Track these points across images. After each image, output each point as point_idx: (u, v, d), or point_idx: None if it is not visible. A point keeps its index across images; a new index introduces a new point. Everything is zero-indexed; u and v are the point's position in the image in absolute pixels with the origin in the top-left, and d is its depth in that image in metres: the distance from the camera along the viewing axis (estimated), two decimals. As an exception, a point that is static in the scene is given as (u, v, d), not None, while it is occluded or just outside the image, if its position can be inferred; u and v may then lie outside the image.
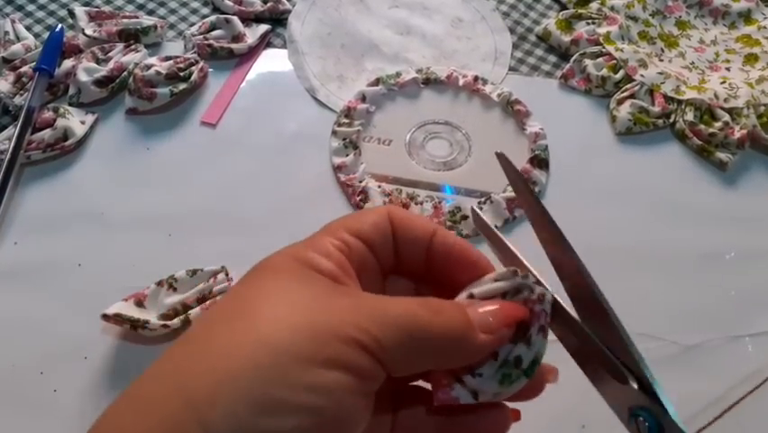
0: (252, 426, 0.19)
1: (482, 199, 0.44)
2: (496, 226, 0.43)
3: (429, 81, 0.51)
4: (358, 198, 0.44)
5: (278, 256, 0.24)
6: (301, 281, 0.23)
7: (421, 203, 0.44)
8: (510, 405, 0.26)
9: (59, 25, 0.49)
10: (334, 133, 0.47)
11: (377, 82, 0.50)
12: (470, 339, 0.22)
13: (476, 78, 0.50)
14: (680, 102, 0.50)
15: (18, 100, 0.46)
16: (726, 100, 0.50)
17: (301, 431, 0.19)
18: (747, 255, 0.44)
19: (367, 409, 0.21)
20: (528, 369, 0.23)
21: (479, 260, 0.26)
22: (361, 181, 0.44)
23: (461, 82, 0.50)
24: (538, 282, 0.24)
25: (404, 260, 0.26)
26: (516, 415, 0.26)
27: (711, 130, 0.48)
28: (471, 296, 0.24)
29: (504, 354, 0.23)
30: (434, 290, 0.27)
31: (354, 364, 0.20)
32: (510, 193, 0.45)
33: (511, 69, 0.52)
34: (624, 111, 0.49)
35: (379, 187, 0.45)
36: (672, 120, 0.50)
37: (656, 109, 0.49)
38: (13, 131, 0.44)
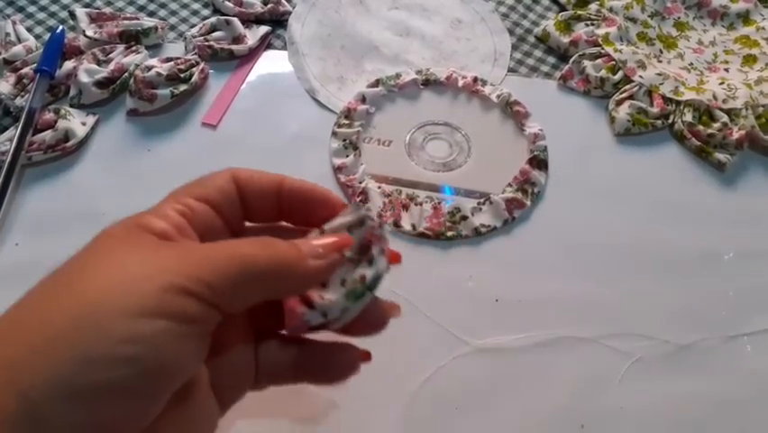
0: (70, 384, 0.19)
1: (482, 200, 0.45)
2: (495, 227, 0.44)
3: (429, 82, 0.51)
4: (358, 199, 0.44)
5: (116, 224, 0.25)
6: (130, 242, 0.23)
7: (421, 204, 0.44)
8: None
9: (60, 27, 0.49)
10: (334, 134, 0.47)
11: (377, 83, 0.50)
12: (301, 266, 0.24)
13: (475, 80, 0.51)
14: (678, 103, 0.50)
15: (19, 101, 0.46)
16: (724, 101, 0.50)
17: (122, 382, 0.20)
18: (745, 256, 0.44)
19: (197, 353, 0.22)
20: (371, 283, 0.26)
21: (329, 197, 0.28)
22: (360, 182, 0.45)
23: (460, 83, 0.51)
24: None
25: (256, 215, 0.28)
26: (367, 356, 0.28)
27: (710, 131, 0.48)
28: (322, 232, 0.27)
29: (348, 274, 0.26)
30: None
31: (178, 311, 0.21)
32: (510, 194, 0.45)
33: (510, 70, 0.53)
34: (623, 112, 0.49)
35: (379, 188, 0.45)
36: (670, 121, 0.50)
37: (655, 110, 0.50)
38: (14, 132, 0.44)
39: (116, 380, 0.20)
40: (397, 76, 0.51)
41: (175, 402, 0.22)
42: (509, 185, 0.46)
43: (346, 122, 0.48)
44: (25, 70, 0.48)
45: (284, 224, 0.29)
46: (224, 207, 0.27)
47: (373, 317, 0.27)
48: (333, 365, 0.28)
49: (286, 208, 0.28)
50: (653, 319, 0.41)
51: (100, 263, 0.22)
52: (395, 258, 0.27)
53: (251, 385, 0.27)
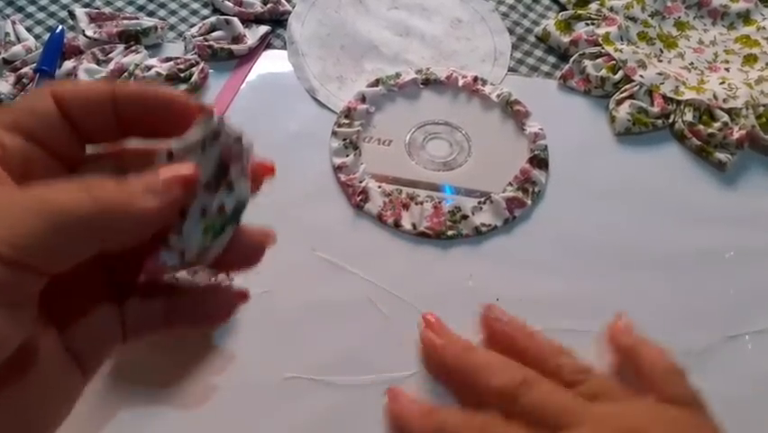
0: None
1: (482, 199, 0.45)
2: (495, 226, 0.44)
3: (429, 82, 0.51)
4: (358, 199, 0.44)
5: None
6: None
7: (421, 203, 0.45)
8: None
9: (60, 27, 0.50)
10: (335, 133, 0.48)
11: (376, 83, 0.51)
12: (133, 208, 0.20)
13: (475, 79, 0.51)
14: (679, 102, 0.51)
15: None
16: (725, 101, 0.51)
17: None
18: (746, 255, 0.45)
19: (15, 324, 0.19)
20: (232, 215, 0.23)
21: (174, 100, 0.23)
22: (361, 181, 0.45)
23: (460, 83, 0.51)
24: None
25: (93, 136, 0.23)
26: (243, 297, 0.25)
27: (710, 130, 0.49)
28: (171, 154, 0.22)
29: (203, 204, 0.22)
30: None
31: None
32: (510, 193, 0.45)
33: (510, 69, 0.53)
34: (623, 111, 0.50)
35: (380, 187, 0.45)
36: (671, 120, 0.50)
37: (655, 110, 0.50)
38: None
39: None
40: (397, 75, 0.51)
41: (2, 380, 0.19)
42: (510, 184, 0.46)
43: (346, 121, 0.48)
44: (25, 70, 0.48)
45: (133, 145, 0.24)
46: (43, 133, 0.22)
47: (245, 248, 0.24)
48: (206, 310, 0.25)
49: (127, 123, 0.23)
50: (654, 318, 0.41)
51: None
52: (266, 171, 0.24)
53: (120, 343, 0.24)
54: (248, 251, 0.24)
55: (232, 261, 0.24)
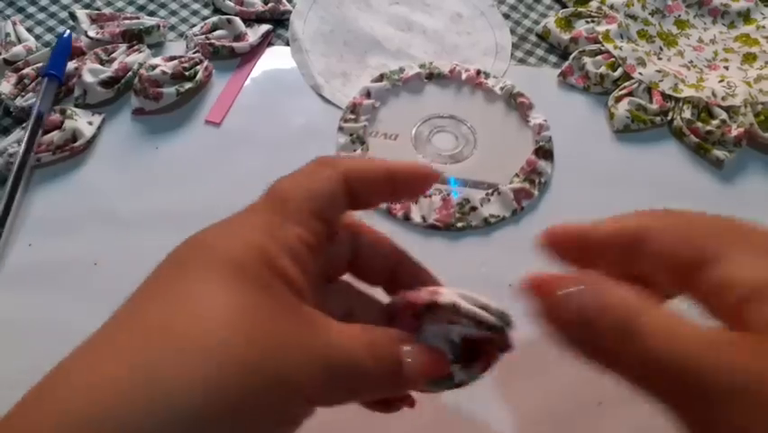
0: None
1: (490, 191, 0.48)
2: (504, 217, 0.47)
3: (432, 76, 0.54)
4: None
5: (232, 244, 0.23)
6: (264, 296, 0.22)
7: (430, 196, 0.47)
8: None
9: (67, 31, 0.52)
10: (341, 129, 0.50)
11: (381, 78, 0.53)
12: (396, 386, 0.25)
13: (478, 72, 0.54)
14: (677, 100, 0.54)
15: (19, 102, 0.48)
16: (723, 98, 0.54)
17: None
18: None
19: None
20: (457, 383, 0.26)
21: (422, 171, 0.28)
22: None
23: (463, 76, 0.54)
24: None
25: (361, 206, 0.27)
26: None
27: (708, 128, 0.52)
28: (456, 308, 0.25)
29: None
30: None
31: (295, 416, 0.22)
32: (517, 184, 0.48)
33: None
34: (622, 108, 0.53)
35: None
36: (669, 118, 0.53)
37: (654, 107, 0.53)
38: (21, 134, 0.46)
39: None
40: (401, 70, 0.54)
41: None
42: (516, 175, 0.49)
43: (352, 117, 0.51)
44: (26, 71, 0.50)
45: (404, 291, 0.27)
46: (330, 218, 0.25)
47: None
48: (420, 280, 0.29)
49: (391, 193, 0.27)
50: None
51: (225, 309, 0.21)
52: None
53: None
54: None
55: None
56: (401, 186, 0.27)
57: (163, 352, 0.20)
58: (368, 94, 0.52)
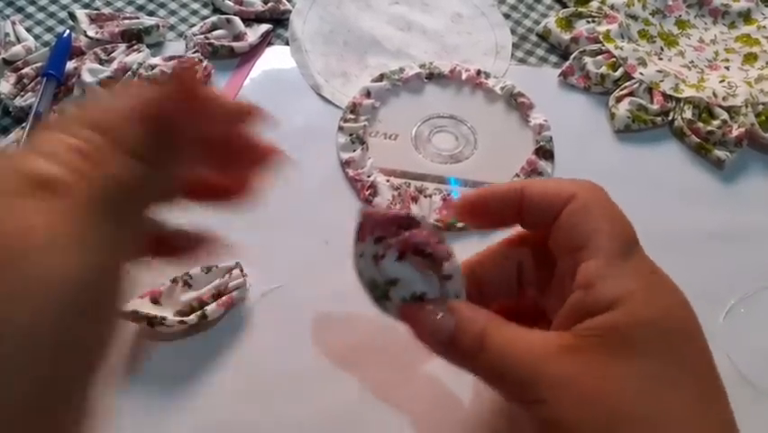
0: None
1: None
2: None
3: (432, 76, 0.54)
4: (367, 193, 0.47)
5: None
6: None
7: (430, 196, 0.47)
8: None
9: (67, 31, 0.51)
10: (341, 128, 0.50)
11: (381, 78, 0.53)
12: None
13: (479, 72, 0.54)
14: (678, 100, 0.54)
15: (19, 101, 0.48)
16: (724, 99, 0.54)
17: None
18: (745, 255, 0.47)
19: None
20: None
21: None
22: (369, 176, 0.48)
23: (464, 76, 0.54)
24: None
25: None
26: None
27: (709, 128, 0.52)
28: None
29: None
30: None
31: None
32: None
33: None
34: (623, 109, 0.53)
35: (388, 181, 0.48)
36: (670, 118, 0.53)
37: (655, 107, 0.53)
38: (21, 134, 0.46)
39: None
40: (401, 70, 0.54)
41: None
42: (517, 175, 0.49)
43: (352, 116, 0.51)
44: (26, 70, 0.50)
45: None
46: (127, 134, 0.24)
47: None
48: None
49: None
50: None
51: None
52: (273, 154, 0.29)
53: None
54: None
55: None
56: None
57: None
58: (368, 94, 0.52)
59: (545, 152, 0.50)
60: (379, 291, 0.29)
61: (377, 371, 0.40)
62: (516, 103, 0.53)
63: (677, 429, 0.25)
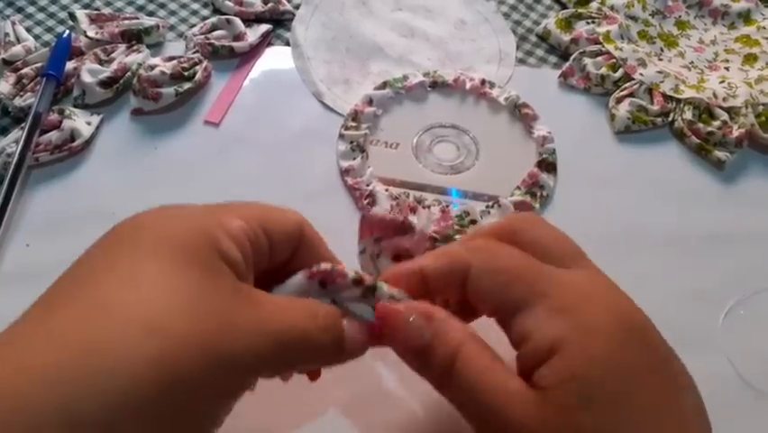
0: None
1: (490, 203, 0.47)
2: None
3: (436, 85, 0.54)
4: (365, 202, 0.46)
5: (181, 227, 0.24)
6: (210, 277, 0.23)
7: (429, 207, 0.47)
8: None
9: (67, 31, 0.51)
10: (342, 136, 0.50)
11: (384, 86, 0.53)
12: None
13: (483, 82, 0.53)
14: (678, 101, 0.53)
15: (18, 102, 0.48)
16: (724, 99, 0.54)
17: None
18: (745, 257, 0.47)
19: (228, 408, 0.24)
20: None
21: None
22: (368, 185, 0.47)
23: (467, 86, 0.53)
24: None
25: (289, 268, 0.29)
26: None
27: (709, 129, 0.52)
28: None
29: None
30: None
31: (238, 390, 0.23)
32: (518, 197, 0.48)
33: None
34: (623, 109, 0.53)
35: (387, 190, 0.47)
36: (670, 119, 0.53)
37: (655, 108, 0.53)
38: (20, 133, 0.46)
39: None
40: (405, 78, 0.53)
41: None
42: (518, 188, 0.48)
43: (353, 124, 0.50)
44: (25, 71, 0.50)
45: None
46: (278, 250, 0.28)
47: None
48: None
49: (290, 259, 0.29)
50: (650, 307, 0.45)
51: (170, 286, 0.22)
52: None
53: None
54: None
55: None
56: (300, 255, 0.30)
57: (106, 330, 0.20)
58: (370, 101, 0.52)
59: (548, 165, 0.50)
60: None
61: (377, 371, 0.40)
62: (520, 114, 0.52)
63: None
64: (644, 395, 0.25)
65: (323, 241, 0.30)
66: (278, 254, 0.28)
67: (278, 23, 0.57)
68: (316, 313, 0.26)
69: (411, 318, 0.27)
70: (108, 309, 0.21)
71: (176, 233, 0.24)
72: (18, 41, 0.52)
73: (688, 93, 0.54)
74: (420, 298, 0.29)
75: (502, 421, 0.25)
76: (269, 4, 0.56)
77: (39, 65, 0.51)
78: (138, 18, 0.55)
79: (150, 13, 0.56)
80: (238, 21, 0.55)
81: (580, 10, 0.59)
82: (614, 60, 0.55)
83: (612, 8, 0.59)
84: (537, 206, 0.48)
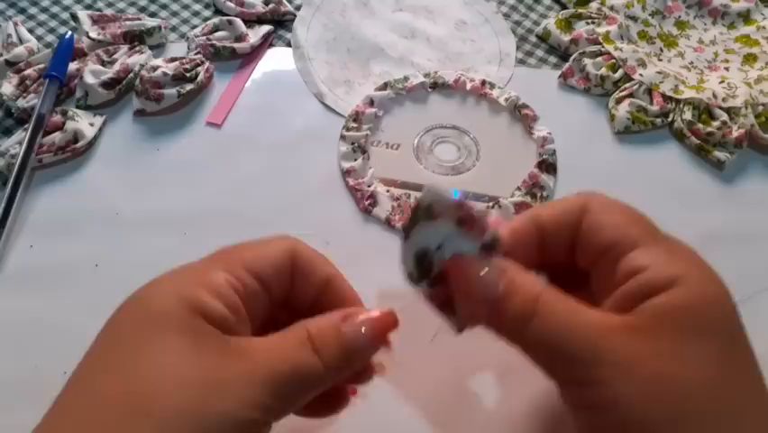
0: None
1: (491, 204, 0.47)
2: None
3: (437, 86, 0.54)
4: (366, 203, 0.46)
5: (163, 298, 0.24)
6: (191, 341, 0.23)
7: None
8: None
9: (69, 32, 0.52)
10: (343, 137, 0.50)
11: (385, 86, 0.53)
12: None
13: (483, 83, 0.53)
14: (678, 101, 0.54)
15: (21, 103, 0.48)
16: (724, 100, 0.54)
17: None
18: (745, 258, 0.47)
19: None
20: None
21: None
22: (369, 186, 0.47)
23: (468, 86, 0.53)
24: None
25: (295, 295, 0.29)
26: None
27: (709, 129, 0.52)
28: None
29: None
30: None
31: None
32: (519, 198, 0.47)
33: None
34: (622, 110, 0.53)
35: (388, 191, 0.47)
36: (670, 119, 0.53)
37: (655, 108, 0.53)
38: (23, 135, 0.46)
39: None
40: (405, 79, 0.53)
41: None
42: (518, 189, 0.48)
43: (354, 125, 0.50)
44: (28, 72, 0.50)
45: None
46: (273, 285, 0.27)
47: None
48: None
49: (322, 303, 0.29)
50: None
51: (153, 362, 0.23)
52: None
53: None
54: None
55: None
56: (328, 301, 0.29)
57: (104, 422, 0.22)
58: (371, 102, 0.52)
59: (548, 166, 0.50)
60: (427, 259, 0.28)
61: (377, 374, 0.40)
62: (521, 114, 0.52)
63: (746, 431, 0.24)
64: (748, 349, 0.25)
65: (320, 256, 0.29)
66: (277, 288, 0.28)
67: (280, 24, 0.57)
68: (308, 333, 0.26)
69: (484, 271, 0.27)
70: (107, 402, 0.22)
71: (158, 306, 0.24)
72: (21, 42, 0.53)
73: (687, 93, 0.54)
74: (534, 250, 0.29)
75: (597, 356, 0.24)
76: (271, 6, 0.56)
77: (41, 66, 0.51)
78: (140, 19, 0.55)
79: (153, 15, 0.56)
80: (240, 22, 0.55)
81: (579, 10, 0.59)
82: (614, 61, 0.55)
83: (612, 8, 0.59)
84: (537, 206, 0.48)
